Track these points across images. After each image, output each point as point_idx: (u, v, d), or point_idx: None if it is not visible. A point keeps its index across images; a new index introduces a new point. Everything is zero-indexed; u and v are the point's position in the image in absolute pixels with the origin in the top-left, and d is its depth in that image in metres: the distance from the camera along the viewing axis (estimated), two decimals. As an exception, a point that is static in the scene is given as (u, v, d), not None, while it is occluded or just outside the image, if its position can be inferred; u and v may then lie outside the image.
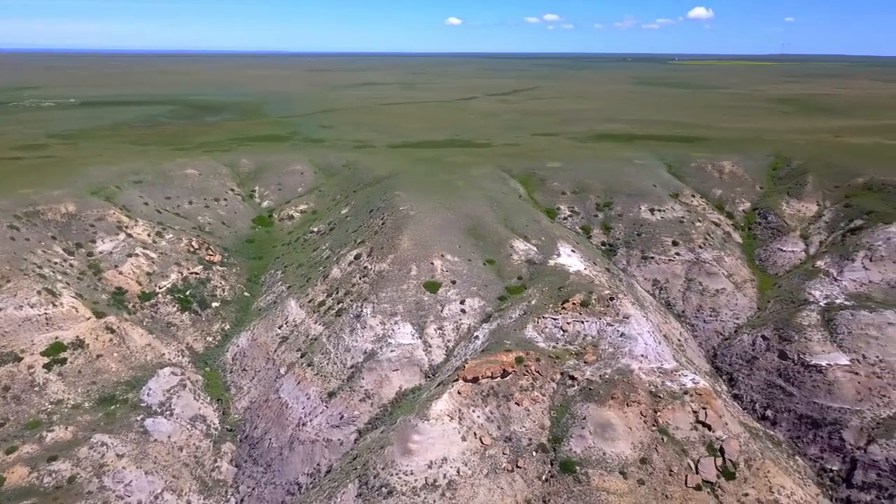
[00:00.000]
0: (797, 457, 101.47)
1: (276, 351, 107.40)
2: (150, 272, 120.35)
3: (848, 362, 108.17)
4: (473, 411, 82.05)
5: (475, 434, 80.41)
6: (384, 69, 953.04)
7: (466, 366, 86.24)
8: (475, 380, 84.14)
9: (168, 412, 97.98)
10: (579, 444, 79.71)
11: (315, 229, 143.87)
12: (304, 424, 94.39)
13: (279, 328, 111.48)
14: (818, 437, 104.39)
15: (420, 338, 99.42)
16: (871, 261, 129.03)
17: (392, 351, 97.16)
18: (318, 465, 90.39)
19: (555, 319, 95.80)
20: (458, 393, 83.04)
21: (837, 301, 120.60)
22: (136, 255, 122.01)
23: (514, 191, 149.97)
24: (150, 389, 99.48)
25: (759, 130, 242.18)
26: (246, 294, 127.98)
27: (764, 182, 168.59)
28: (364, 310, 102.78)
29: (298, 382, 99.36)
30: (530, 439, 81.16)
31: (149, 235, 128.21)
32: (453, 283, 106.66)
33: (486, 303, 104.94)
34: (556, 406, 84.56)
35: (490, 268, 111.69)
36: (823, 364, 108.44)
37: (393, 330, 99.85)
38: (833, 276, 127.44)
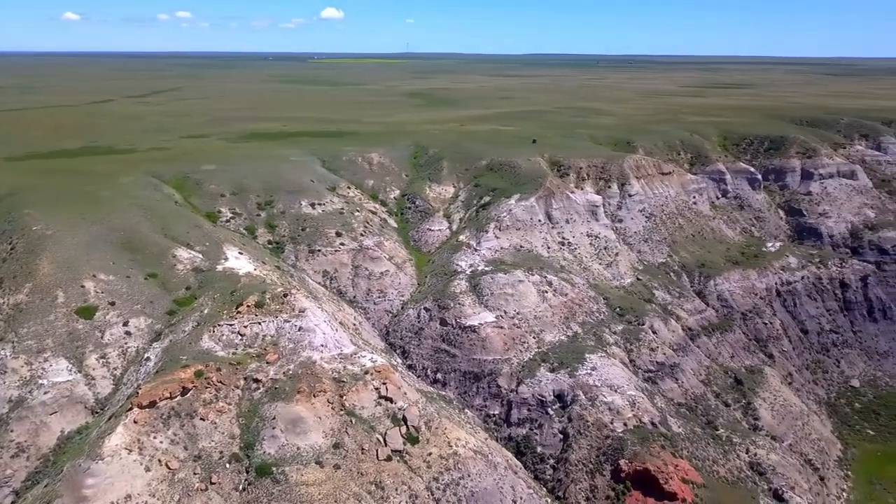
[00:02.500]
0: (467, 410, 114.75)
1: None
2: None
3: (494, 319, 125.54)
4: (155, 437, 76.18)
5: (160, 461, 74.84)
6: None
7: (140, 391, 79.52)
8: (152, 404, 78.09)
9: None
10: (273, 444, 79.43)
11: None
12: (-64, 503, 77.67)
13: None
14: (480, 388, 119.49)
15: (80, 371, 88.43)
16: (500, 230, 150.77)
17: (46, 392, 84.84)
18: (-36, 545, 75.44)
19: (231, 325, 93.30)
20: (135, 422, 76.25)
21: (479, 268, 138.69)
22: None
23: (168, 197, 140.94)
24: None
25: (399, 123, 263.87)
26: None
27: (408, 170, 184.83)
28: (2, 351, 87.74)
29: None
30: (222, 452, 78.39)
31: None
32: (112, 304, 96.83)
33: (154, 320, 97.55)
34: (245, 412, 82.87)
35: (153, 282, 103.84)
36: (476, 324, 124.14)
37: (43, 369, 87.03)
38: (473, 248, 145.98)
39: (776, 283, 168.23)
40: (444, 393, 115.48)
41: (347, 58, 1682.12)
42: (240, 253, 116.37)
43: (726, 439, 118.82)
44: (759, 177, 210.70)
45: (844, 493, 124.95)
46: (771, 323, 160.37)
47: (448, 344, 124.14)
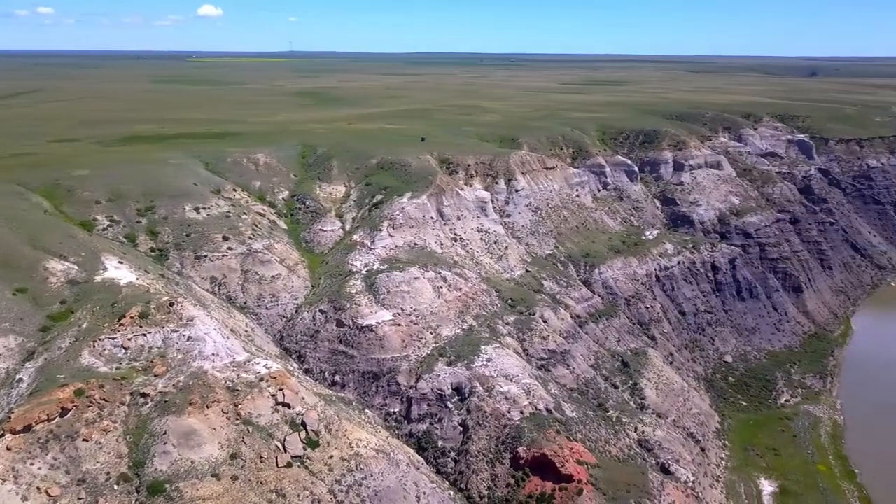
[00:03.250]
0: (367, 409, 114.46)
1: None
2: None
3: (391, 317, 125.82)
4: (32, 464, 71.17)
5: (39, 489, 70.05)
6: None
7: (13, 415, 74.01)
8: (27, 428, 72.88)
9: None
10: (165, 460, 76.22)
11: None
12: None
13: None
14: (380, 387, 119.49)
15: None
16: (393, 228, 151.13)
17: None
18: None
19: (113, 339, 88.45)
20: (8, 449, 70.95)
21: (375, 267, 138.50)
22: None
23: (37, 206, 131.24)
24: None
25: (285, 122, 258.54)
26: None
27: (297, 170, 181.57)
28: None
29: None
30: (108, 473, 74.36)
31: None
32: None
33: (26, 338, 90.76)
34: (133, 429, 78.93)
35: (23, 297, 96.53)
36: (373, 323, 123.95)
37: None
38: (368, 247, 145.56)
39: (655, 269, 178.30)
40: (343, 395, 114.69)
41: (228, 56, 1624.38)
42: (120, 262, 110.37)
43: (616, 420, 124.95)
44: (636, 169, 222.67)
45: (723, 462, 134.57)
46: (652, 307, 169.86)
47: (345, 345, 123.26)
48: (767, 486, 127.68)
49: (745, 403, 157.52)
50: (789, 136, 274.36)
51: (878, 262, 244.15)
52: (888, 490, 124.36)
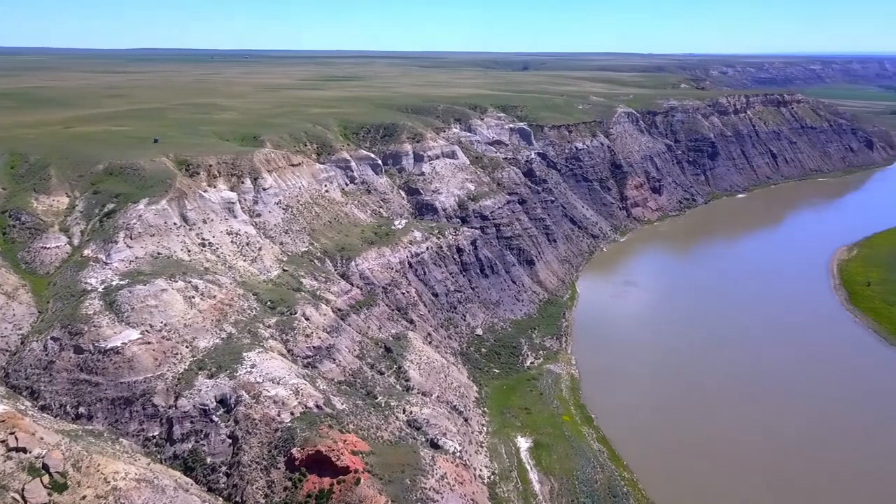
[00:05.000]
0: (122, 439, 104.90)
1: None
2: None
3: (140, 335, 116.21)
4: None
5: None
6: None
7: None
8: None
9: None
10: None
11: None
12: None
13: None
14: (134, 412, 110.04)
15: None
16: (132, 238, 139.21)
17: None
18: None
19: None
20: None
21: (114, 283, 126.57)
22: None
23: None
24: None
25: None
26: None
27: (5, 182, 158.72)
28: None
29: None
30: None
31: None
32: None
33: None
34: None
35: None
36: (118, 344, 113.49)
37: None
38: (103, 261, 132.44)
39: (407, 256, 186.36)
40: (91, 427, 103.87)
41: None
42: None
43: (385, 405, 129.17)
44: (380, 162, 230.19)
45: (485, 428, 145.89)
46: (407, 292, 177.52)
47: (88, 372, 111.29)
48: (524, 443, 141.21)
49: (497, 371, 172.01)
50: (511, 125, 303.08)
51: (592, 231, 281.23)
52: (618, 428, 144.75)
